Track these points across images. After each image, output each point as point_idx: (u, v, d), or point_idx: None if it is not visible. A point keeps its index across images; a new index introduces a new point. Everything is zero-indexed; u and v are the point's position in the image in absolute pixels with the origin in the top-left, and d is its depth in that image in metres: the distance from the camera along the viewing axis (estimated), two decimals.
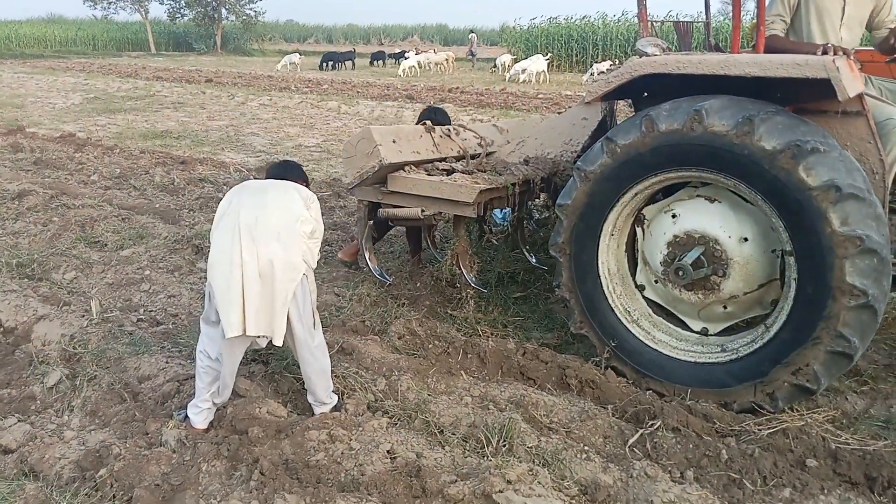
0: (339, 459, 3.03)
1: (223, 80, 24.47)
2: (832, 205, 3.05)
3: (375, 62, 36.39)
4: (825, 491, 2.88)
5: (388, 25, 67.84)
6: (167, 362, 3.80)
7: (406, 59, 31.55)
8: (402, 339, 4.30)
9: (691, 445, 3.17)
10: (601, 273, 3.86)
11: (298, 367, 3.79)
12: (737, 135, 3.23)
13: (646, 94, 4.05)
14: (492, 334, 4.41)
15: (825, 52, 3.33)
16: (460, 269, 4.38)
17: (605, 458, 3.17)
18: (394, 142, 4.19)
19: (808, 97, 3.48)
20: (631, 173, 3.61)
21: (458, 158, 4.56)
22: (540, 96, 19.64)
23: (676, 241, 3.66)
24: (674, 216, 3.71)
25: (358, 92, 21.10)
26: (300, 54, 34.86)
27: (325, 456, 3.05)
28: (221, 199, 3.18)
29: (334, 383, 3.54)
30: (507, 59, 30.59)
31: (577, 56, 32.81)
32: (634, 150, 3.54)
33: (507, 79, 26.05)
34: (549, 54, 30.53)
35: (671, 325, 3.84)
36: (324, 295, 5.04)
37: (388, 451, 3.08)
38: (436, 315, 4.64)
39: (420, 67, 30.74)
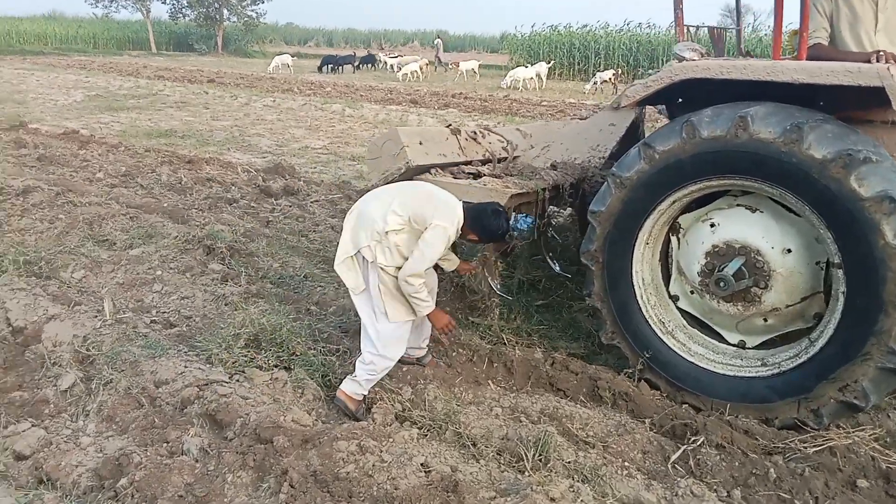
0: (370, 472, 2.89)
1: (225, 81, 24.34)
2: (886, 216, 2.94)
3: (363, 66, 35.94)
4: None
5: (389, 30, 67.76)
6: (185, 366, 3.66)
7: (399, 67, 31.22)
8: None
9: (737, 463, 3.05)
10: (635, 282, 3.75)
11: (321, 374, 3.69)
12: (784, 142, 3.12)
13: (680, 100, 3.94)
14: (517, 343, 4.29)
15: (878, 60, 3.23)
16: (485, 275, 4.25)
17: (646, 475, 3.05)
18: (420, 143, 4.07)
19: (852, 106, 3.38)
20: (670, 180, 3.49)
21: (483, 162, 4.45)
22: (544, 103, 19.56)
23: (716, 251, 3.55)
24: (713, 225, 3.59)
25: (361, 95, 20.99)
26: (292, 56, 34.59)
27: (355, 468, 2.91)
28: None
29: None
30: (473, 65, 30.46)
31: (579, 64, 32.79)
32: (674, 157, 3.43)
33: (506, 86, 25.97)
34: (552, 61, 30.53)
35: (707, 338, 3.72)
36: (341, 299, 4.91)
37: (421, 465, 2.95)
38: (458, 322, 4.50)
39: (421, 72, 30.58)
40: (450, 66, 32.02)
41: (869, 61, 3.26)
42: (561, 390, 3.82)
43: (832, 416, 3.26)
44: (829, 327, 3.23)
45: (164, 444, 3.10)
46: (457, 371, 3.93)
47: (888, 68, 3.01)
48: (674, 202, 3.58)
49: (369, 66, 36.41)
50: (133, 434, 3.20)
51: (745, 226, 3.48)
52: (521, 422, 3.41)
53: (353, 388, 3.46)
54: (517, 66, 29.55)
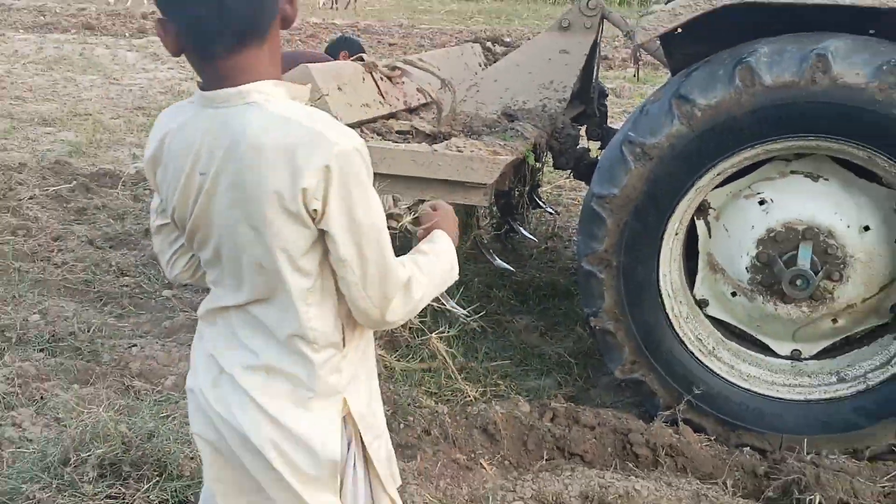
0: None
1: None
2: None
3: None
4: None
5: None
6: None
7: None
8: None
9: None
10: (663, 290, 3.42)
11: None
12: (880, 88, 2.96)
13: (679, 30, 3.66)
14: (481, 394, 3.77)
15: None
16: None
17: None
18: (340, 89, 3.30)
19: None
20: (719, 146, 3.16)
21: (408, 111, 3.84)
22: None
23: (771, 237, 3.33)
24: (762, 203, 3.38)
25: None
26: None
27: None
28: None
29: None
30: None
31: None
32: (725, 114, 3.11)
33: None
34: None
35: (754, 353, 3.54)
36: (174, 364, 3.93)
37: None
38: (387, 371, 3.83)
39: None
40: None
41: None
42: (577, 455, 3.39)
43: None
44: None
45: None
46: (425, 451, 3.28)
47: None
48: (717, 175, 3.30)
49: None
50: None
51: (809, 200, 3.30)
52: None
53: None
54: None
